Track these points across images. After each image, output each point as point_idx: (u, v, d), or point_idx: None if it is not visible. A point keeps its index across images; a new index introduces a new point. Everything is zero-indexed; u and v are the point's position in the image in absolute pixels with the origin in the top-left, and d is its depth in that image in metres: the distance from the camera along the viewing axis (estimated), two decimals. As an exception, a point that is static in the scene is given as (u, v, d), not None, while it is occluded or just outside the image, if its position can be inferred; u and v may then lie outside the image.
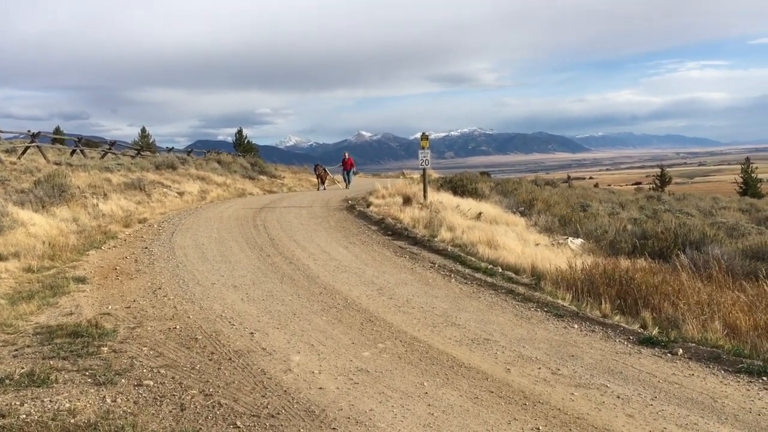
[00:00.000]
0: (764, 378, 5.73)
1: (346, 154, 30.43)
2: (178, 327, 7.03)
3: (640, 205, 28.19)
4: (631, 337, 6.91)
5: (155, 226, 14.38)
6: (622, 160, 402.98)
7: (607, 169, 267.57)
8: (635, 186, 75.86)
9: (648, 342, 6.72)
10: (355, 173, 32.82)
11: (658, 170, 58.02)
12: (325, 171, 31.09)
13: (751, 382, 5.69)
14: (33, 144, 23.85)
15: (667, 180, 55.33)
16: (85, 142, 29.75)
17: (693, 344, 6.52)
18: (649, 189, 52.07)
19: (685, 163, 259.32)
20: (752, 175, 47.99)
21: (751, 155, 79.31)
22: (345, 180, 29.96)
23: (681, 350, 6.42)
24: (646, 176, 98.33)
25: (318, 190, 28.88)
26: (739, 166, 52.70)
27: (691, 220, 19.23)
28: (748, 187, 46.93)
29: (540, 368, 5.97)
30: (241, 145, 49.07)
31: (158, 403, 5.02)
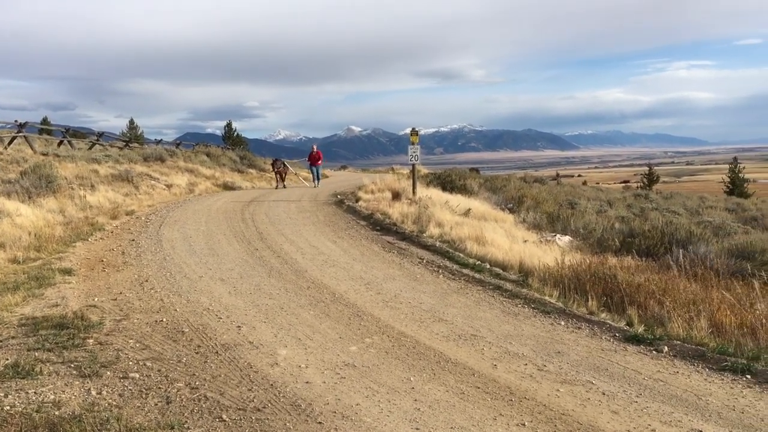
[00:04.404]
0: (748, 376, 5.78)
1: (315, 147, 26.37)
2: (164, 320, 7.00)
3: (628, 203, 28.41)
4: (617, 335, 6.95)
5: (143, 218, 14.30)
6: (611, 159, 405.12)
7: (596, 167, 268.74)
8: (623, 184, 76.27)
9: (634, 339, 6.76)
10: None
11: (646, 169, 58.35)
12: (285, 166, 27.26)
13: (734, 380, 5.74)
14: (20, 134, 23.65)
15: (654, 179, 55.67)
16: (73, 133, 29.54)
17: (678, 342, 6.57)
18: (637, 187, 52.40)
19: (673, 162, 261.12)
20: (739, 174, 48.37)
21: (738, 155, 79.99)
22: (313, 176, 26.25)
23: (666, 348, 6.47)
24: (635, 174, 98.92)
25: (276, 188, 25.01)
26: (727, 166, 53.11)
27: (678, 218, 19.40)
28: (735, 186, 47.37)
29: (526, 364, 5.99)
30: (230, 138, 48.88)
31: (144, 395, 4.99)
